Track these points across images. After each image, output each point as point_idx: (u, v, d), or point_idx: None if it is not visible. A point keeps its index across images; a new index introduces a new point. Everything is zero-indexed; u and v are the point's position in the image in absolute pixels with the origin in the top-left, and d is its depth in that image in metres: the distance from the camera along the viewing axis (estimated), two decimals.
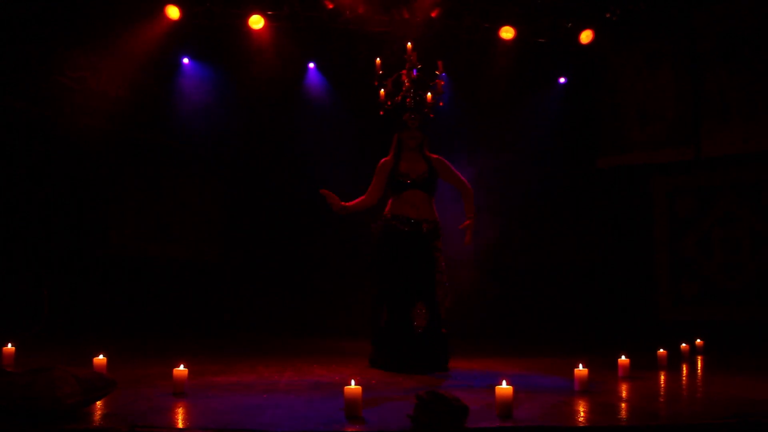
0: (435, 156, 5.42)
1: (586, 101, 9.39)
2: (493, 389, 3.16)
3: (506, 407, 3.12)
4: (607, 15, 8.50)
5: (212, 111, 9.31)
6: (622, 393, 4.06)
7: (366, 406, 3.20)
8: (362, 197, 5.42)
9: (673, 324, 8.43)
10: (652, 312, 8.69)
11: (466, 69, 8.99)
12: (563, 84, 9.53)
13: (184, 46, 8.98)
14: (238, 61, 9.04)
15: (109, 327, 7.81)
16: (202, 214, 9.75)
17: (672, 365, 5.40)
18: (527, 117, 9.30)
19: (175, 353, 5.68)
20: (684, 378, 4.95)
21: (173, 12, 8.15)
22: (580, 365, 4.03)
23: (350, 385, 3.12)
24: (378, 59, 5.44)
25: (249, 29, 8.44)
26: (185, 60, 9.22)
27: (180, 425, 2.97)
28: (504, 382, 3.14)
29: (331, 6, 8.16)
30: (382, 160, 5.43)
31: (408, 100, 5.32)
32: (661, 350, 5.39)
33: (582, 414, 3.33)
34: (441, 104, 5.48)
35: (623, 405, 3.63)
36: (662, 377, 4.83)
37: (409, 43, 5.42)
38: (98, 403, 3.18)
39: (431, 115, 5.39)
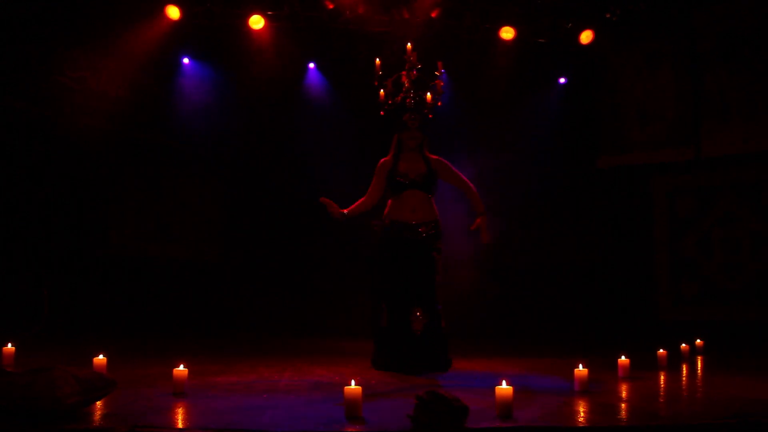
0: (435, 157, 5.41)
1: (586, 101, 9.40)
2: (493, 389, 3.16)
3: (506, 407, 3.12)
4: (607, 15, 8.50)
5: (212, 111, 9.31)
6: (622, 393, 4.06)
7: (366, 406, 3.20)
8: (362, 199, 5.41)
9: (673, 324, 8.43)
10: (652, 312, 8.69)
11: (466, 69, 8.99)
12: (563, 84, 9.53)
13: (184, 46, 8.98)
14: (238, 61, 9.04)
15: (109, 327, 7.81)
16: (202, 214, 9.75)
17: (672, 365, 5.40)
18: (527, 117, 9.30)
19: (175, 353, 5.68)
20: (684, 378, 4.95)
21: (173, 12, 8.15)
22: (580, 365, 4.03)
23: (350, 385, 3.12)
24: (378, 60, 5.44)
25: (249, 29, 8.44)
26: (185, 60, 9.22)
27: (180, 425, 2.97)
28: (504, 383, 3.14)
29: (331, 6, 8.16)
30: (382, 160, 5.43)
31: (408, 100, 5.31)
32: (661, 350, 5.38)
33: (582, 414, 3.33)
34: (440, 104, 5.47)
35: (623, 405, 3.63)
36: (662, 377, 4.82)
37: (408, 44, 5.42)
38: (98, 403, 3.18)
39: (430, 116, 5.39)
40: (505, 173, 9.00)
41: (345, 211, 5.28)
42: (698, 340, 6.51)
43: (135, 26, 8.25)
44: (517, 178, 9.10)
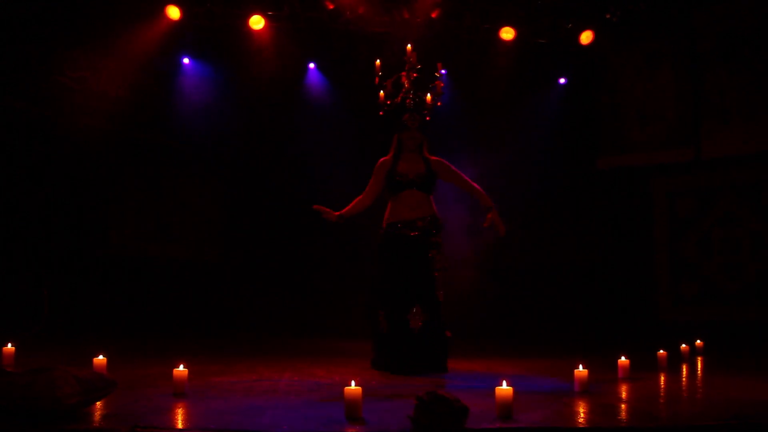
0: (435, 158, 5.40)
1: (586, 102, 9.40)
2: (494, 390, 3.16)
3: (506, 408, 3.12)
4: (607, 16, 8.50)
5: (212, 111, 9.31)
6: (622, 394, 4.06)
7: (366, 406, 3.20)
8: (359, 198, 5.41)
9: (673, 324, 8.44)
10: (652, 312, 8.69)
11: (466, 69, 9.00)
12: (563, 84, 9.53)
13: (185, 47, 8.98)
14: (239, 62, 9.04)
15: (109, 327, 7.81)
16: (202, 214, 9.75)
17: (672, 366, 5.40)
18: (527, 117, 9.31)
19: (175, 353, 5.68)
20: (684, 379, 4.95)
21: (174, 12, 8.15)
22: (580, 366, 4.03)
23: (350, 385, 3.12)
24: (378, 60, 5.44)
25: (249, 29, 8.45)
26: (185, 60, 9.22)
27: (180, 426, 2.97)
28: (504, 383, 3.14)
29: (331, 6, 8.16)
30: (381, 159, 5.43)
31: (408, 101, 5.32)
32: (661, 351, 5.38)
33: (582, 415, 3.33)
34: (440, 104, 5.48)
35: (623, 406, 3.63)
36: (662, 378, 4.82)
37: (409, 45, 5.42)
38: (98, 403, 3.18)
39: (428, 118, 5.39)
40: (505, 173, 9.01)
41: (341, 212, 5.29)
42: (698, 341, 6.51)
43: (135, 26, 8.25)
44: (517, 179, 9.11)
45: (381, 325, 5.14)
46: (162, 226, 9.31)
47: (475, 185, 5.44)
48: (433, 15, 8.34)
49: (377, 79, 5.41)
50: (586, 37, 8.62)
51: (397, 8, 8.24)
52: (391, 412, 3.35)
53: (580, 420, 3.20)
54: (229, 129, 9.50)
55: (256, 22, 8.35)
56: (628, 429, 3.02)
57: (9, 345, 4.66)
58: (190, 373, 3.84)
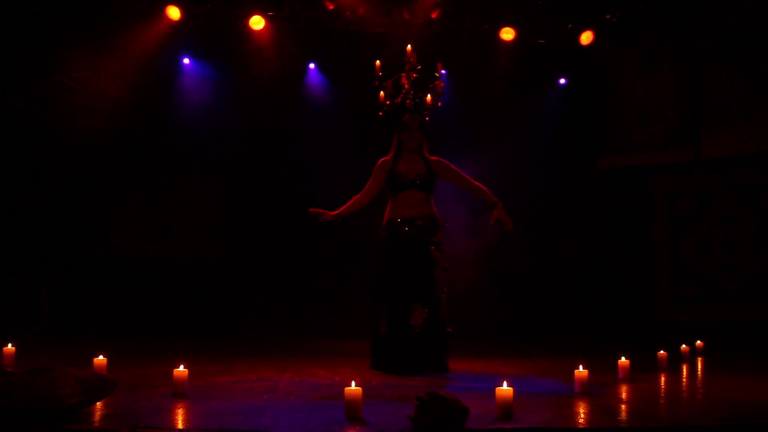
0: (435, 158, 5.40)
1: (586, 102, 9.40)
2: (494, 391, 3.16)
3: (506, 409, 3.12)
4: (607, 16, 8.50)
5: (212, 111, 9.31)
6: (622, 394, 4.06)
7: (366, 407, 3.20)
8: (356, 196, 5.41)
9: (673, 324, 8.44)
10: (652, 312, 8.69)
11: (466, 70, 9.00)
12: (563, 85, 9.53)
13: (185, 47, 8.98)
14: (239, 62, 9.04)
15: (109, 327, 7.81)
16: (202, 214, 9.75)
17: (672, 366, 5.40)
18: (527, 117, 9.30)
19: (175, 353, 5.68)
20: (684, 379, 4.95)
21: (174, 13, 8.15)
22: (581, 366, 4.03)
23: (350, 386, 3.12)
24: (378, 61, 5.44)
25: (250, 30, 8.45)
26: (186, 60, 9.22)
27: (180, 426, 2.98)
28: (505, 384, 3.14)
29: (331, 7, 8.16)
30: (382, 159, 5.44)
31: (408, 101, 5.32)
32: (662, 351, 5.38)
33: (582, 415, 3.33)
34: (440, 104, 5.48)
35: (623, 407, 3.63)
36: (662, 379, 4.82)
37: (409, 45, 5.42)
38: (98, 403, 3.18)
39: (427, 119, 5.39)
40: (505, 173, 8.99)
41: (338, 211, 5.30)
42: (698, 341, 6.51)
43: (136, 27, 8.25)
44: (517, 179, 9.10)
45: (381, 324, 5.14)
46: (162, 226, 9.31)
47: (477, 183, 5.44)
48: (433, 15, 8.34)
49: (377, 81, 5.41)
50: (586, 37, 8.61)
51: (397, 9, 8.24)
52: (392, 412, 3.35)
53: (580, 420, 3.20)
54: (229, 129, 9.49)
55: (257, 23, 8.35)
56: (628, 429, 3.02)
57: (9, 345, 4.66)
58: (190, 373, 3.84)
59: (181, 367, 3.74)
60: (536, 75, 9.33)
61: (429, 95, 5.38)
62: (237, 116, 9.48)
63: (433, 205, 5.32)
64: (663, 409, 3.64)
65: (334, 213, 5.31)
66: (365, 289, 7.50)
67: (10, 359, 4.61)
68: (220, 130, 9.43)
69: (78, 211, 8.28)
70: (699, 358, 6.18)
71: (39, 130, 7.86)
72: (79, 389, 2.92)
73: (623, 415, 3.39)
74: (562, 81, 9.52)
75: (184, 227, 9.55)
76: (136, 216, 9.01)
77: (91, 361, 4.22)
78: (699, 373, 5.36)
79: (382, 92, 5.40)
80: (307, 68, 9.56)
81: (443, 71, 5.52)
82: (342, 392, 3.14)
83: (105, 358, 4.23)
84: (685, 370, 5.43)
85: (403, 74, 5.37)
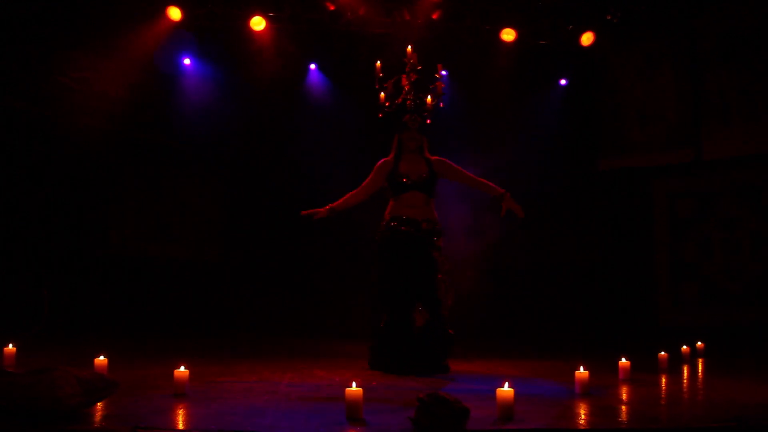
0: (436, 158, 5.40)
1: (586, 103, 9.40)
2: (494, 392, 3.16)
3: (507, 410, 3.12)
4: (608, 17, 8.50)
5: (213, 111, 9.30)
6: (622, 396, 4.06)
7: (367, 408, 3.20)
8: (353, 192, 5.38)
9: (673, 324, 8.44)
10: (652, 312, 8.70)
11: (467, 70, 9.00)
12: (564, 85, 9.53)
13: (186, 47, 8.97)
14: (240, 62, 9.04)
15: (109, 327, 7.81)
16: (202, 214, 9.75)
17: (673, 368, 5.39)
18: (528, 118, 9.31)
19: (175, 354, 5.68)
20: (685, 381, 4.95)
21: (175, 13, 8.14)
22: (581, 368, 4.03)
23: (351, 386, 3.12)
24: (378, 62, 5.44)
25: (251, 30, 8.44)
26: (186, 61, 9.21)
27: (181, 427, 2.98)
28: (505, 385, 3.14)
29: (332, 8, 8.15)
30: (382, 160, 5.43)
31: (408, 102, 5.31)
32: (662, 353, 5.37)
33: (583, 417, 3.33)
34: (441, 105, 5.48)
35: (624, 408, 3.63)
36: (663, 380, 4.82)
37: (409, 47, 5.42)
38: (99, 404, 3.18)
39: (428, 121, 5.39)
40: (505, 174, 8.95)
41: (332, 205, 5.28)
42: (699, 343, 6.50)
43: (137, 27, 8.24)
44: (517, 179, 9.05)
45: (382, 319, 5.13)
46: (162, 226, 9.31)
47: (480, 179, 5.44)
48: (434, 16, 8.34)
49: (377, 85, 5.41)
50: (587, 38, 8.60)
51: (397, 9, 8.24)
52: (392, 413, 3.35)
53: (581, 422, 3.20)
54: (229, 129, 9.49)
55: (257, 23, 8.35)
56: (629, 431, 3.02)
57: (10, 345, 4.66)
58: (190, 373, 3.84)
59: (182, 368, 3.74)
60: (537, 76, 9.33)
61: (429, 96, 5.38)
62: (237, 116, 9.47)
63: (434, 209, 5.32)
64: (664, 410, 3.63)
65: (327, 207, 5.27)
66: (365, 289, 7.50)
67: (11, 359, 4.61)
68: (220, 131, 9.42)
69: (78, 211, 8.28)
70: (700, 360, 6.18)
71: (39, 130, 7.86)
72: (80, 390, 2.92)
73: (624, 416, 3.39)
74: (563, 82, 9.52)
75: (184, 227, 9.55)
76: (136, 216, 9.01)
77: (91, 362, 4.22)
78: (700, 374, 5.36)
79: (382, 93, 5.39)
80: (307, 69, 9.56)
81: (444, 72, 5.52)
82: (343, 393, 3.14)
83: (106, 359, 4.23)
84: (685, 371, 5.42)
85: (404, 75, 5.36)
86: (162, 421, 3.01)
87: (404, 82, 5.35)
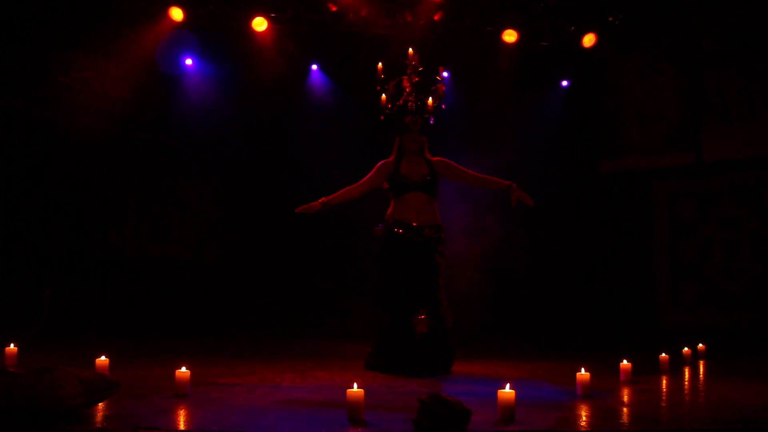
0: (437, 158, 5.40)
1: (588, 104, 9.39)
2: (495, 393, 3.16)
3: (508, 411, 3.11)
4: (610, 18, 8.49)
5: (213, 111, 9.29)
6: (624, 398, 4.06)
7: (368, 409, 3.19)
8: (349, 187, 5.33)
9: (673, 325, 8.44)
10: (653, 313, 8.69)
11: (469, 71, 9.00)
12: (565, 87, 9.53)
13: (187, 48, 8.97)
14: (241, 63, 9.03)
15: (109, 327, 7.80)
16: (202, 214, 9.74)
17: (674, 369, 5.39)
18: (529, 119, 9.30)
19: (175, 354, 5.68)
20: (686, 382, 4.94)
21: (177, 14, 8.14)
22: (582, 369, 4.03)
23: (352, 387, 3.12)
24: (380, 64, 5.44)
25: (252, 31, 8.43)
26: (188, 61, 9.21)
27: (182, 427, 2.97)
28: (507, 386, 3.14)
29: (334, 8, 8.15)
30: (383, 160, 5.43)
31: (409, 103, 5.31)
32: (663, 354, 5.37)
33: (584, 419, 3.33)
34: (443, 107, 5.47)
35: (625, 410, 3.63)
36: (664, 382, 4.82)
37: (410, 48, 5.42)
38: (100, 404, 3.17)
39: (431, 121, 5.38)
40: (506, 174, 8.95)
41: (326, 199, 5.23)
42: (700, 344, 6.49)
43: (138, 28, 8.24)
44: (518, 179, 8.98)
45: (383, 321, 5.13)
46: (162, 226, 9.30)
47: (483, 175, 5.43)
48: (436, 17, 8.33)
49: (378, 86, 5.40)
50: (588, 40, 8.59)
51: (399, 11, 8.23)
52: (393, 414, 3.34)
53: (582, 424, 3.20)
54: (229, 129, 9.48)
55: (259, 24, 8.34)
56: None
57: (12, 345, 4.65)
58: (191, 374, 3.84)
59: (183, 368, 3.74)
60: (538, 77, 9.32)
61: (430, 98, 5.38)
62: (238, 117, 9.47)
63: (437, 211, 5.31)
64: (665, 412, 3.63)
65: (319, 201, 5.24)
66: (365, 289, 7.50)
67: (12, 359, 4.61)
68: (220, 131, 9.41)
69: (78, 211, 8.28)
70: (701, 361, 6.17)
71: (39, 130, 7.85)
72: (81, 390, 2.92)
73: (625, 418, 3.39)
74: (565, 83, 9.52)
75: (184, 227, 9.55)
76: (136, 216, 9.00)
77: (92, 362, 4.22)
78: (701, 376, 5.36)
79: (384, 96, 5.39)
80: (309, 69, 9.56)
81: (445, 73, 5.52)
82: (344, 394, 3.14)
83: (107, 359, 4.23)
84: (687, 373, 5.42)
85: (405, 77, 5.36)
86: (163, 421, 3.00)
87: (405, 83, 5.35)
